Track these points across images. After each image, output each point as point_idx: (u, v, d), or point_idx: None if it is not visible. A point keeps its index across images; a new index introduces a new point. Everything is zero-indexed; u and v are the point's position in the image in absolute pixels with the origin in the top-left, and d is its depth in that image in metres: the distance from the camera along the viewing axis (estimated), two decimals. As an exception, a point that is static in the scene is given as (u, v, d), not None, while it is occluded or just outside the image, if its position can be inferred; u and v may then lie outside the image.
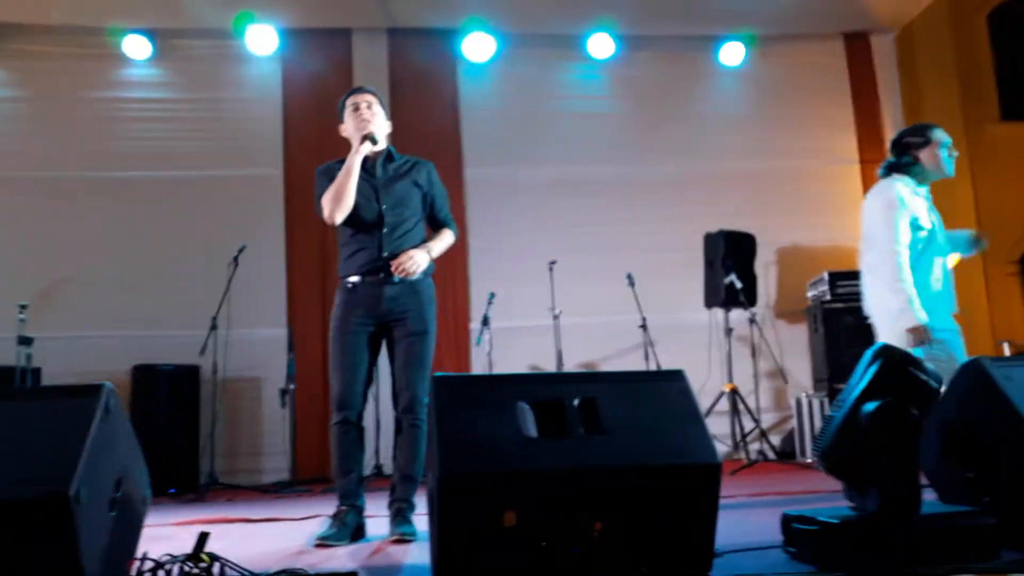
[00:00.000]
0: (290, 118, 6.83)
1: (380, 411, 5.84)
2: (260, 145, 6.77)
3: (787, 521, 2.49)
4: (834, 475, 2.50)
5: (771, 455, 6.28)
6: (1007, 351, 6.87)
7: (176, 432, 5.81)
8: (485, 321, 6.14)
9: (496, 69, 6.96)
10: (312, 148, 6.75)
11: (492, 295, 6.22)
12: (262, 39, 6.68)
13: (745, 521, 3.25)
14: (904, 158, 3.50)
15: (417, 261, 3.20)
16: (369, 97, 3.38)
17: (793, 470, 5.75)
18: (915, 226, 3.35)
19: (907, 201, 3.36)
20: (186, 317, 6.03)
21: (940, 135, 3.51)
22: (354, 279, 3.22)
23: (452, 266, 6.73)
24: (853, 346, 6.19)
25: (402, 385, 3.22)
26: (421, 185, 3.35)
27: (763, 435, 6.26)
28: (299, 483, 5.85)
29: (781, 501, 3.90)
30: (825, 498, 3.82)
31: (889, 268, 3.29)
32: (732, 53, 7.22)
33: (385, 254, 3.19)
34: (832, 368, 6.33)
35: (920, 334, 3.20)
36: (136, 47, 6.67)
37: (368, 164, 3.29)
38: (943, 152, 3.48)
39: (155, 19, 6.62)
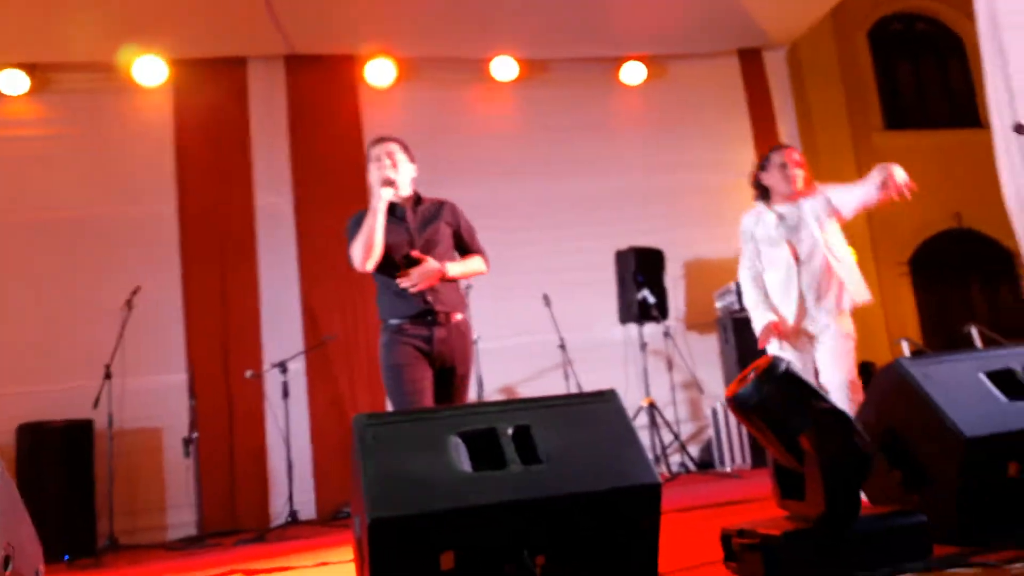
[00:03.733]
0: (183, 152, 6.51)
1: (292, 453, 5.60)
2: (151, 181, 6.43)
3: (727, 536, 2.46)
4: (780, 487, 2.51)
5: (692, 466, 6.33)
6: (906, 349, 7.17)
7: (70, 493, 5.37)
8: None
9: (399, 94, 6.84)
10: (207, 182, 6.50)
11: None
12: (150, 70, 6.37)
13: (682, 538, 3.21)
14: (755, 186, 3.89)
15: (425, 275, 3.18)
16: (391, 146, 3.41)
17: (715, 479, 5.80)
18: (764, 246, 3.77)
19: (749, 232, 3.81)
20: (77, 367, 5.64)
21: (775, 157, 3.82)
22: (400, 322, 3.22)
23: (363, 293, 6.54)
24: (762, 354, 6.33)
25: None
26: (450, 224, 3.40)
27: (682, 447, 6.31)
28: (208, 536, 5.51)
29: (711, 513, 3.89)
30: (753, 504, 3.85)
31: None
32: (632, 73, 7.35)
33: (429, 298, 3.21)
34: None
35: (762, 335, 3.68)
36: (10, 82, 6.26)
37: (399, 210, 3.33)
38: (778, 171, 3.77)
39: (31, 52, 6.22)
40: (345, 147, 6.72)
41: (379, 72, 6.79)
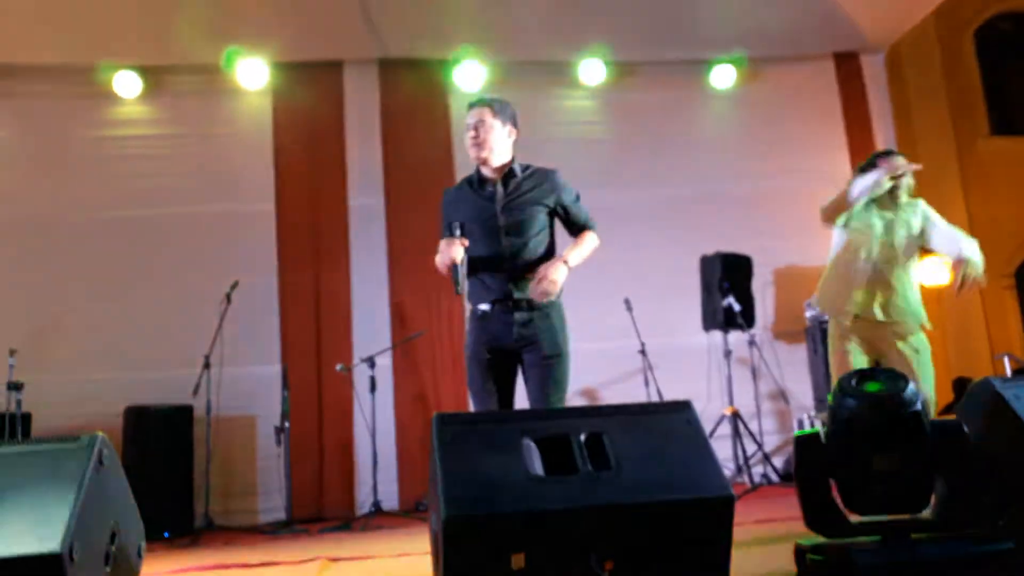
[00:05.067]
0: (281, 152, 6.78)
1: (377, 445, 5.77)
2: (251, 180, 6.71)
3: (800, 551, 2.43)
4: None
5: (775, 478, 6.20)
6: (1007, 365, 6.83)
7: (170, 474, 5.67)
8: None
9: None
10: (304, 182, 6.75)
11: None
12: (252, 73, 6.66)
13: (756, 551, 3.18)
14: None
15: (554, 279, 3.04)
16: (481, 111, 3.20)
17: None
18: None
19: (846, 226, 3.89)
20: (179, 356, 5.93)
21: (886, 163, 3.81)
22: (484, 307, 3.15)
23: (449, 292, 6.66)
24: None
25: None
26: (546, 202, 3.19)
27: (766, 458, 6.19)
28: (296, 522, 5.74)
29: (789, 527, 3.82)
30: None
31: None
32: (723, 76, 7.24)
33: (510, 285, 3.09)
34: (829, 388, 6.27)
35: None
36: (125, 84, 6.63)
37: (488, 189, 3.19)
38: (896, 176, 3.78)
39: (143, 55, 6.58)
40: (435, 150, 6.87)
41: (469, 76, 6.89)
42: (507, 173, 3.19)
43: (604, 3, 6.32)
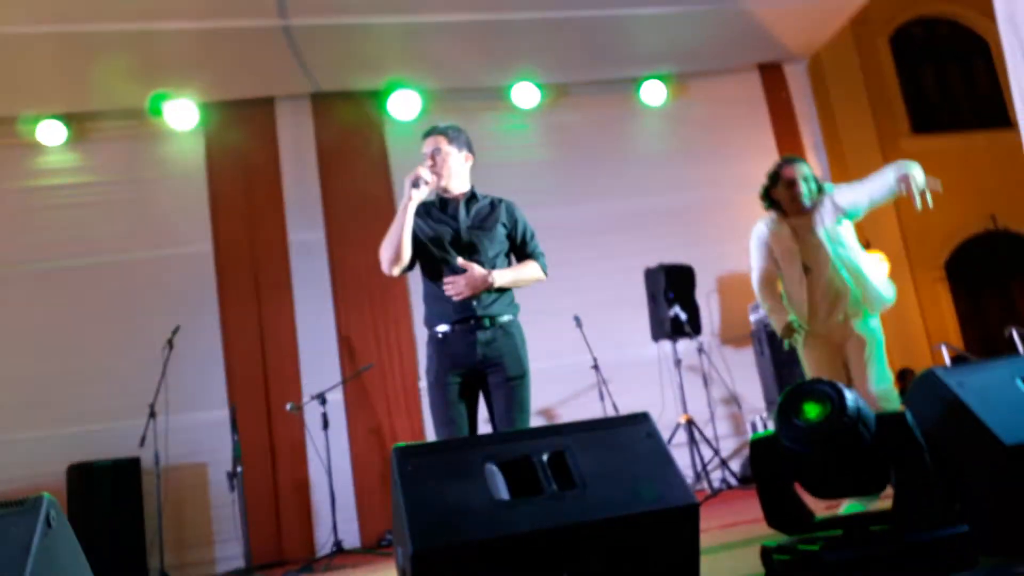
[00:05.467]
0: (216, 192, 6.67)
1: (334, 482, 5.66)
2: (187, 222, 6.58)
3: (767, 553, 2.46)
4: None
5: (733, 482, 6.28)
6: (946, 354, 7.07)
7: (120, 530, 5.48)
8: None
9: (423, 126, 6.89)
10: (242, 221, 6.64)
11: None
12: (181, 114, 6.55)
13: (723, 555, 3.20)
14: (764, 199, 3.97)
15: (474, 276, 3.03)
16: (436, 139, 3.23)
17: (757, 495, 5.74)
18: (782, 260, 3.88)
19: (763, 241, 3.91)
20: (123, 407, 5.77)
21: (786, 172, 3.86)
22: (443, 328, 3.09)
23: (397, 322, 6.63)
24: (800, 363, 6.29)
25: None
26: (505, 225, 3.22)
27: (723, 463, 6.27)
28: (256, 569, 5.59)
29: (753, 529, 3.87)
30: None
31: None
32: (654, 92, 7.39)
33: (475, 302, 3.07)
34: (782, 388, 6.40)
35: (785, 333, 3.82)
36: (49, 133, 6.46)
37: (451, 209, 3.20)
38: (786, 190, 3.82)
39: (67, 103, 6.43)
40: (373, 180, 6.85)
41: (403, 105, 6.89)
42: (470, 196, 3.23)
43: (532, 27, 6.39)
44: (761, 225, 3.97)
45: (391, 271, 3.10)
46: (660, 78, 7.37)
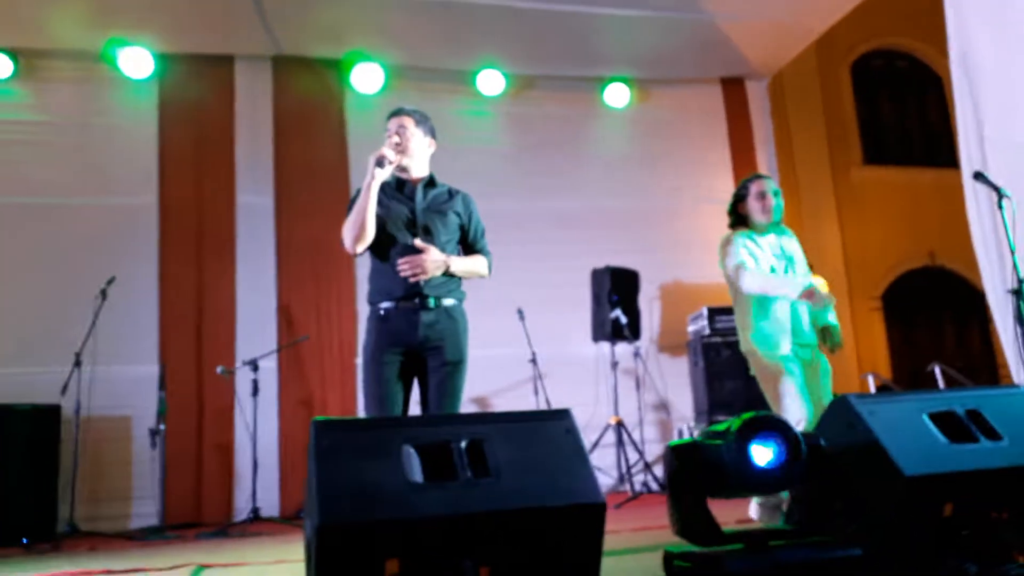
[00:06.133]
0: (166, 145, 6.53)
1: (259, 450, 5.61)
2: (134, 172, 6.43)
3: (668, 558, 2.52)
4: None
5: (655, 487, 6.39)
6: (872, 383, 7.28)
7: (33, 477, 5.34)
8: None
9: (384, 101, 6.84)
10: (190, 177, 6.53)
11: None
12: (136, 63, 6.39)
13: (628, 558, 3.27)
14: (732, 214, 3.98)
15: (426, 262, 3.04)
16: (404, 119, 3.24)
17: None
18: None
19: (746, 248, 3.82)
20: (48, 353, 5.63)
21: (756, 186, 3.92)
22: (387, 305, 3.09)
23: (339, 297, 6.59)
24: (731, 378, 6.44)
25: None
26: (460, 214, 3.25)
27: (647, 467, 6.37)
28: (170, 528, 5.52)
29: (664, 535, 3.95)
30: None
31: (745, 289, 3.75)
32: (617, 95, 7.44)
33: (422, 282, 3.07)
34: (711, 399, 6.54)
35: (815, 295, 3.56)
36: (-5, 65, 6.24)
37: (408, 190, 3.21)
38: (757, 202, 3.87)
39: (17, 38, 6.22)
40: (329, 151, 6.78)
41: (365, 78, 6.84)
42: (428, 181, 3.26)
43: (498, 14, 6.36)
44: (739, 235, 3.89)
45: (354, 249, 3.10)
46: (624, 80, 7.43)
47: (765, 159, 7.71)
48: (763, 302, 3.80)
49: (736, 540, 2.50)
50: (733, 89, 7.79)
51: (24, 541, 5.05)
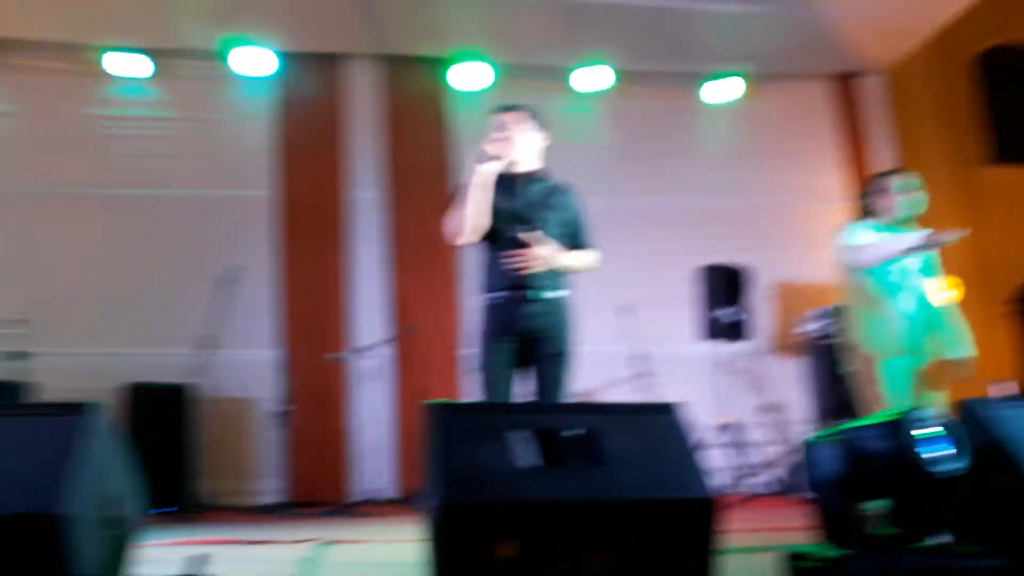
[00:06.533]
0: (283, 141, 6.85)
1: (374, 433, 5.82)
2: (252, 166, 6.77)
3: (789, 559, 2.48)
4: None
5: (771, 489, 6.24)
6: (997, 390, 6.88)
7: (168, 452, 5.69)
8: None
9: (490, 98, 6.91)
10: (304, 170, 6.82)
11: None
12: (256, 61, 6.71)
13: (747, 559, 3.22)
14: (866, 208, 3.91)
15: (539, 255, 3.12)
16: (509, 115, 3.29)
17: (795, 504, 5.71)
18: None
19: (867, 230, 3.75)
20: (179, 336, 5.98)
21: (893, 182, 3.81)
22: (495, 296, 3.20)
23: (445, 289, 6.74)
24: (847, 380, 6.21)
25: None
26: (566, 209, 3.31)
27: (763, 469, 6.23)
28: (295, 505, 5.80)
29: (783, 537, 3.87)
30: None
31: (864, 263, 3.69)
32: (722, 91, 7.29)
33: (530, 274, 3.14)
34: (826, 402, 6.32)
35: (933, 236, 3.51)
36: (130, 65, 6.68)
37: (516, 183, 3.26)
38: (896, 198, 3.78)
39: (148, 38, 6.62)
40: (435, 147, 6.95)
41: (471, 76, 6.95)
42: (537, 175, 3.31)
43: (606, 12, 6.36)
44: (855, 224, 3.83)
45: (455, 240, 3.19)
46: (730, 76, 7.24)
47: (880, 157, 7.38)
48: (878, 300, 3.68)
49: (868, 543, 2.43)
50: (846, 85, 7.49)
51: (163, 511, 5.41)
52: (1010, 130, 8.67)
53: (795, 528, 4.13)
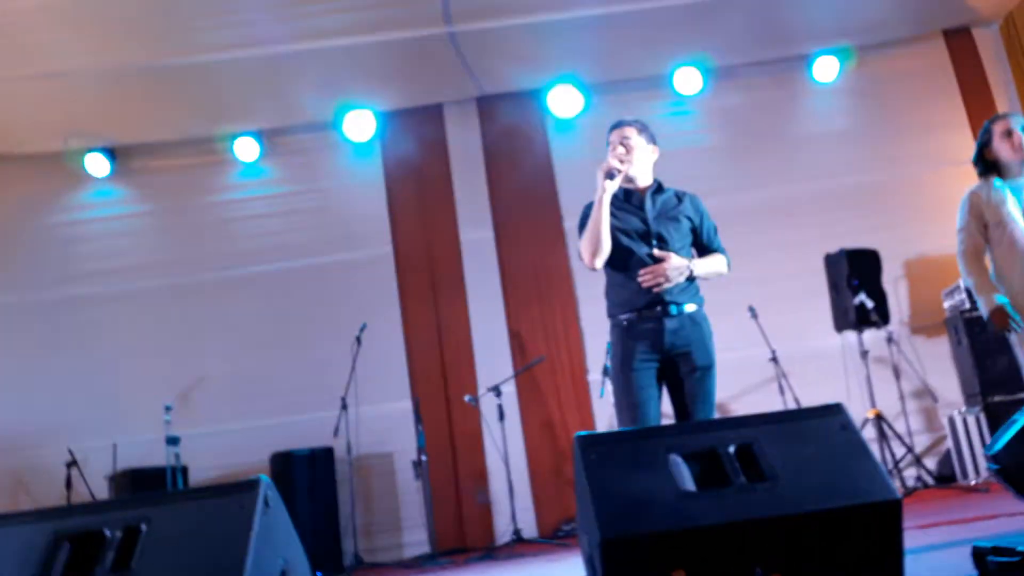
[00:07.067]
0: (393, 198, 7.03)
1: (512, 475, 5.81)
2: (369, 227, 6.96)
3: (980, 554, 2.29)
4: (1010, 483, 2.31)
5: (930, 481, 5.87)
6: None
7: (317, 515, 5.89)
8: (606, 371, 6.03)
9: (585, 121, 6.93)
10: (417, 223, 6.98)
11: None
12: (359, 125, 6.93)
13: (926, 556, 3.01)
14: (979, 163, 3.64)
15: (668, 269, 3.05)
16: (626, 131, 3.27)
17: (957, 494, 5.35)
18: (985, 226, 3.53)
19: (977, 207, 3.54)
20: (317, 400, 6.19)
21: (1000, 124, 3.54)
22: (629, 316, 3.14)
23: (564, 317, 6.71)
24: (1002, 353, 5.76)
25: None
26: (691, 217, 3.25)
27: (918, 460, 5.88)
28: (441, 555, 5.84)
29: (957, 530, 3.61)
30: (1006, 523, 3.52)
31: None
32: (826, 69, 6.97)
33: (658, 289, 3.07)
34: (983, 380, 5.89)
35: (997, 319, 3.36)
36: (246, 149, 7.01)
37: (636, 199, 3.25)
38: (1004, 141, 3.50)
39: (260, 119, 6.96)
40: (537, 178, 6.98)
41: (564, 102, 6.94)
42: (656, 188, 3.27)
43: (690, 12, 6.22)
44: (973, 193, 3.59)
45: (593, 264, 3.14)
46: (833, 53, 6.95)
47: (1006, 109, 6.91)
48: (1011, 258, 3.41)
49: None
50: (959, 40, 7.05)
51: (319, 574, 5.53)
52: None
53: (968, 520, 3.86)
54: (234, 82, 6.36)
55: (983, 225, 3.53)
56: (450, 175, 7.04)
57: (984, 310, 3.45)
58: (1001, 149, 3.52)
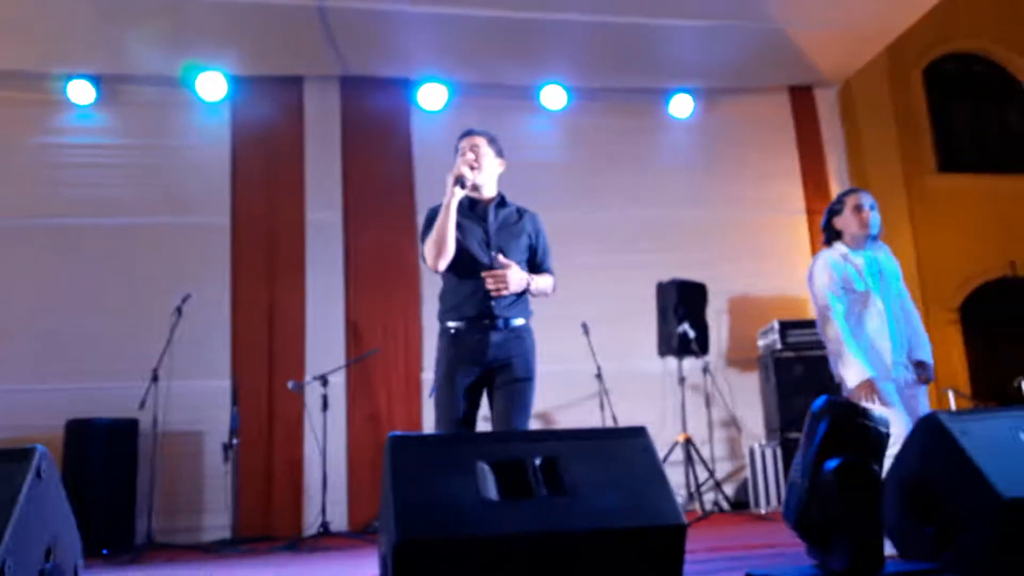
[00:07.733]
0: (239, 165, 6.69)
1: (328, 464, 5.68)
2: (207, 193, 6.60)
3: (751, 581, 2.45)
4: (807, 539, 2.48)
5: (725, 506, 6.26)
6: (952, 400, 7.01)
7: (112, 489, 5.51)
8: (437, 372, 6.02)
9: (449, 118, 6.90)
10: (261, 196, 6.68)
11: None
12: (210, 86, 6.57)
13: (706, 579, 3.18)
14: (827, 230, 3.81)
15: (510, 278, 3.06)
16: (476, 139, 3.28)
17: (748, 521, 5.72)
18: (846, 290, 3.64)
19: (839, 274, 3.63)
20: (126, 368, 5.78)
21: (852, 199, 3.75)
22: (458, 325, 3.12)
23: (405, 312, 6.64)
24: (804, 395, 6.26)
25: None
26: (530, 235, 3.28)
27: (717, 485, 6.25)
28: (241, 541, 5.60)
29: (740, 556, 3.85)
30: (785, 553, 3.78)
31: (830, 333, 3.58)
32: (681, 105, 7.36)
33: (492, 302, 3.08)
34: (784, 417, 6.37)
35: (864, 390, 3.40)
36: (80, 92, 6.50)
37: (480, 209, 3.24)
38: (854, 215, 3.71)
39: (100, 64, 6.47)
40: (395, 168, 6.86)
41: (430, 96, 6.91)
42: (499, 201, 3.30)
43: (564, 29, 6.37)
44: (832, 254, 3.71)
45: (437, 266, 3.13)
46: (689, 91, 7.34)
47: (835, 167, 7.51)
48: (859, 321, 3.63)
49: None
50: (801, 97, 7.62)
51: (104, 552, 5.19)
52: (954, 139, 8.95)
53: (753, 546, 4.13)
54: (67, 20, 5.86)
55: (849, 291, 3.62)
56: (303, 151, 6.79)
57: (852, 381, 3.46)
58: (851, 222, 3.71)
